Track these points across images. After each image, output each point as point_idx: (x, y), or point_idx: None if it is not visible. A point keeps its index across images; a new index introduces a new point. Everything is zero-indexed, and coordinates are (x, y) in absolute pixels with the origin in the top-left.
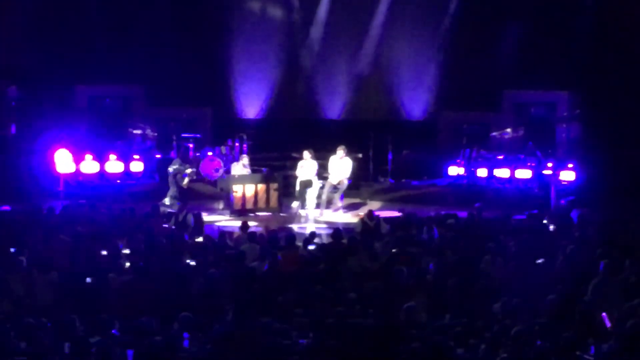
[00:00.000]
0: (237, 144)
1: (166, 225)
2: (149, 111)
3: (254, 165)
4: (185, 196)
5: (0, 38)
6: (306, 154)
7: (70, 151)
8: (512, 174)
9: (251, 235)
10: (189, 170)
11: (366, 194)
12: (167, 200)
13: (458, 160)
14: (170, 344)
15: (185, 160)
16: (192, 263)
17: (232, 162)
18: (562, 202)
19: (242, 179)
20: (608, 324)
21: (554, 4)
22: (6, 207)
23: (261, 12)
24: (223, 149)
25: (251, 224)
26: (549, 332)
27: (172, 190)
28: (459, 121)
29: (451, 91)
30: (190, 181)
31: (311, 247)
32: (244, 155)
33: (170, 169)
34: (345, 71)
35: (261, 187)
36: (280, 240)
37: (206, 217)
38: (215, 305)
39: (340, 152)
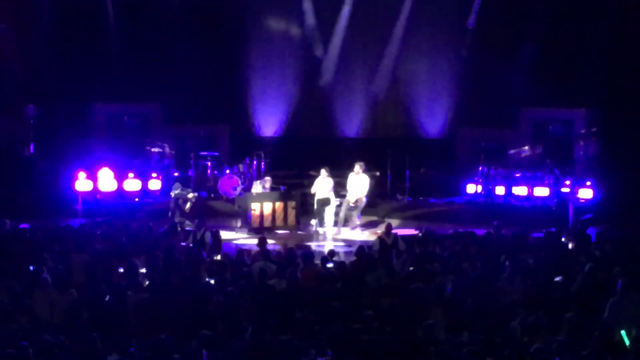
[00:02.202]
0: (255, 162)
1: (184, 243)
2: (166, 129)
3: (272, 183)
4: (191, 216)
5: (18, 57)
6: (323, 172)
7: (88, 169)
8: (530, 191)
9: (265, 254)
10: (190, 195)
11: (384, 212)
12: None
13: (476, 178)
14: None
15: (188, 183)
16: (211, 281)
17: (250, 180)
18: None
19: (260, 197)
20: (627, 342)
21: (571, 22)
22: (25, 225)
23: (279, 30)
24: (241, 167)
25: (269, 241)
26: (567, 350)
27: (176, 217)
28: (476, 139)
29: (469, 109)
30: (208, 199)
31: (329, 265)
32: (268, 179)
33: (172, 194)
34: (363, 89)
35: (279, 205)
36: (298, 258)
37: (224, 235)
38: (233, 322)
39: (357, 167)
